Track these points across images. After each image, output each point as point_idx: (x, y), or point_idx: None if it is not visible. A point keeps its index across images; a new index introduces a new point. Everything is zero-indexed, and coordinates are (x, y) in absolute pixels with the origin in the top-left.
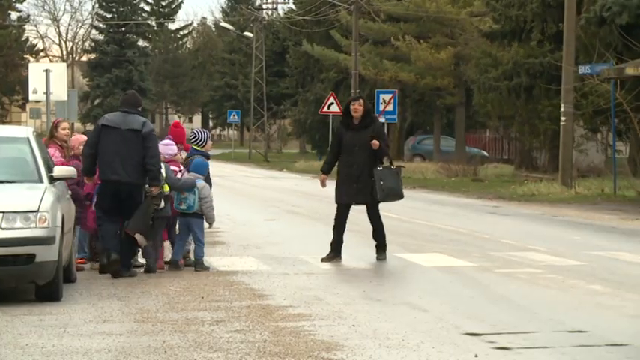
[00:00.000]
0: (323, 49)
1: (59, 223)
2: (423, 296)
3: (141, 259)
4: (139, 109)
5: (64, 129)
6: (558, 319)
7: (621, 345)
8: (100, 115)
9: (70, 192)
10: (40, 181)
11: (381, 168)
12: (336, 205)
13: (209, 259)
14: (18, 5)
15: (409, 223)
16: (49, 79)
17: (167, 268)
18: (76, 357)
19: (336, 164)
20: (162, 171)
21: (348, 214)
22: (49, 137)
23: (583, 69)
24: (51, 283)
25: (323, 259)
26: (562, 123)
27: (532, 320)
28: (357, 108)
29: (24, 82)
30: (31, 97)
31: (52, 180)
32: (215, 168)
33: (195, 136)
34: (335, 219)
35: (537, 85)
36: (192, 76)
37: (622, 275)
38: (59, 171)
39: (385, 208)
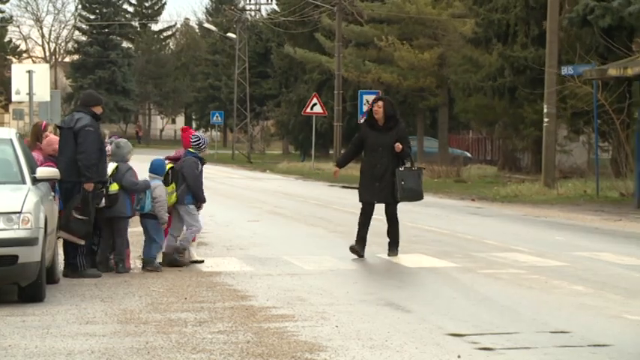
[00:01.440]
0: (306, 52)
1: (42, 224)
2: (406, 297)
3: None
4: (92, 108)
5: (51, 131)
6: (541, 319)
7: (604, 345)
8: None
9: (52, 193)
10: (23, 182)
11: (402, 169)
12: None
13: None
14: (1, 6)
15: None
16: (32, 80)
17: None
18: (58, 358)
19: (350, 162)
20: (109, 169)
21: (372, 211)
22: (32, 140)
23: (566, 70)
24: (34, 284)
25: (351, 249)
26: (545, 124)
27: (515, 321)
28: (377, 110)
29: (7, 83)
30: (14, 98)
31: (35, 181)
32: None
33: (199, 140)
34: (360, 216)
35: (521, 87)
36: (175, 77)
37: (605, 276)
38: (42, 172)
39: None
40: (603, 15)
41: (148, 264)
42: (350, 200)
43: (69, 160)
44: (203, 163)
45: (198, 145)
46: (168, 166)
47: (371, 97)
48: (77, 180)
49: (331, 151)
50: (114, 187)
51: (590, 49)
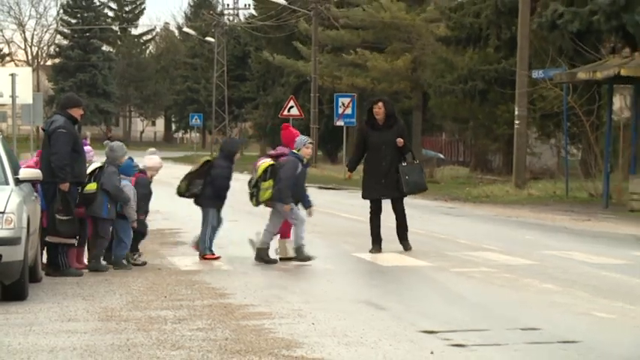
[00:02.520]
0: (283, 58)
1: (25, 224)
2: (381, 295)
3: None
4: (70, 110)
5: (85, 135)
6: (512, 317)
7: (573, 342)
8: None
9: (35, 194)
10: (6, 183)
11: (405, 164)
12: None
13: (171, 259)
14: None
15: (365, 222)
16: (15, 83)
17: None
18: (41, 355)
19: (360, 163)
20: (88, 170)
21: (381, 208)
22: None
23: (536, 74)
24: (17, 282)
25: (371, 251)
26: (516, 126)
27: (486, 318)
28: (378, 111)
29: None
30: None
31: (18, 182)
32: (178, 170)
33: (296, 141)
34: (370, 215)
35: (492, 90)
36: (155, 80)
37: (574, 274)
38: (25, 173)
39: (347, 210)
40: (572, 20)
41: (115, 264)
42: (325, 200)
43: (47, 162)
44: (304, 164)
45: (296, 145)
46: (268, 162)
47: (346, 100)
48: (52, 180)
49: None
50: (91, 187)
51: (560, 52)
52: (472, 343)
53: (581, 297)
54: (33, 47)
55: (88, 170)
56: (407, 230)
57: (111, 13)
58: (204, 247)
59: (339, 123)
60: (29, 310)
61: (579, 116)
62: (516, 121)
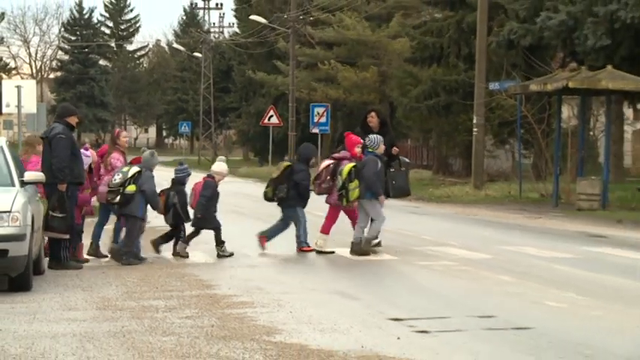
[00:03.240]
0: (264, 75)
1: (29, 222)
2: (353, 286)
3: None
4: (67, 118)
5: (124, 137)
6: (470, 305)
7: (526, 328)
8: None
9: (38, 194)
10: (13, 184)
11: (392, 170)
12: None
13: (163, 254)
14: None
15: (341, 222)
16: (21, 95)
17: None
18: (44, 341)
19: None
20: (130, 172)
21: None
22: (111, 144)
23: (493, 86)
24: (22, 275)
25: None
26: (474, 133)
27: (448, 307)
28: (372, 119)
29: None
30: (4, 110)
31: (23, 184)
32: (165, 173)
33: (371, 141)
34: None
35: (454, 101)
36: (148, 92)
37: (526, 267)
38: (29, 176)
39: (320, 208)
40: (525, 35)
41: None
42: None
43: (49, 165)
44: (382, 160)
45: (371, 145)
46: (351, 165)
47: (321, 110)
48: (53, 182)
49: (286, 157)
50: (131, 188)
51: (514, 66)
52: (435, 329)
53: (534, 288)
54: (37, 62)
55: (129, 174)
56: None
57: (108, 31)
58: (300, 242)
59: (315, 130)
60: (33, 300)
61: (531, 124)
62: (475, 129)
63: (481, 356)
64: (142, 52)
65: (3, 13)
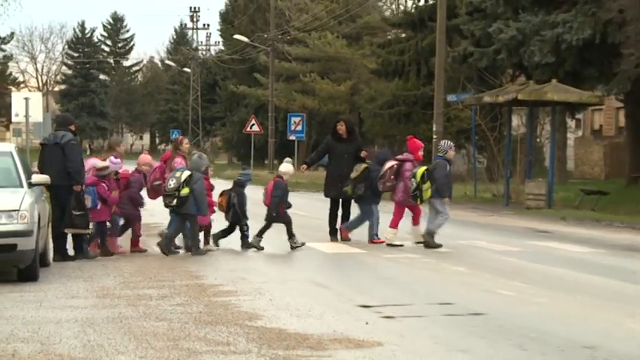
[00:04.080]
0: (246, 88)
1: (36, 220)
2: (326, 276)
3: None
4: (69, 126)
5: (186, 144)
6: (431, 294)
7: (480, 314)
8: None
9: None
10: (21, 186)
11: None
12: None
13: (156, 248)
14: (3, 46)
15: (316, 219)
16: (28, 105)
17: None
18: (49, 326)
19: (316, 166)
20: (183, 176)
21: (338, 205)
22: (174, 150)
23: (451, 98)
24: (29, 267)
25: (332, 240)
26: (434, 140)
27: (411, 295)
28: (341, 128)
29: (8, 108)
30: (14, 119)
31: (31, 185)
32: None
33: (441, 146)
34: (330, 211)
35: (415, 111)
36: (142, 103)
37: (480, 259)
38: (36, 178)
39: (299, 208)
40: (480, 58)
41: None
42: None
43: (60, 169)
44: (451, 164)
45: (440, 149)
46: (424, 169)
47: (297, 119)
48: (68, 184)
49: (266, 162)
50: (185, 191)
51: (469, 80)
52: (399, 315)
53: (487, 278)
54: (43, 76)
55: (182, 178)
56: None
57: (107, 49)
58: (372, 234)
59: (292, 137)
60: (39, 289)
61: (485, 132)
62: (434, 136)
63: (440, 339)
64: (137, 68)
65: (13, 33)
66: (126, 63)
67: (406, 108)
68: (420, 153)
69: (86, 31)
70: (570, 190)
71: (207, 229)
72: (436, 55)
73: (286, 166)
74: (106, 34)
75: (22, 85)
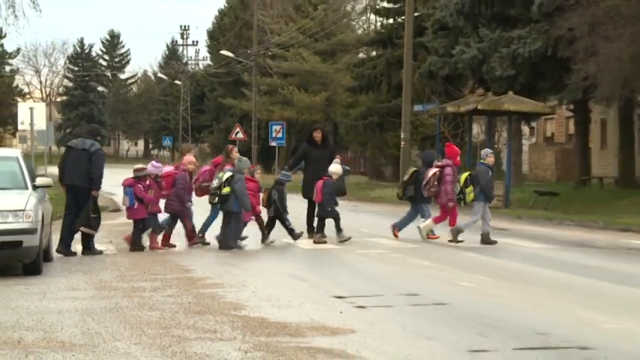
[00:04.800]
0: (231, 100)
1: (40, 219)
2: (304, 270)
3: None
4: (97, 137)
5: (236, 152)
6: (399, 285)
7: (444, 304)
8: (69, 141)
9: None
10: (26, 188)
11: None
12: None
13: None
14: (10, 61)
15: (295, 218)
16: (33, 115)
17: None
18: (52, 315)
19: (297, 170)
20: (224, 176)
21: (315, 205)
22: (225, 157)
23: (417, 108)
24: (34, 262)
25: (309, 236)
26: (402, 146)
27: (381, 287)
28: (317, 135)
29: (14, 116)
30: (20, 127)
31: (35, 187)
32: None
33: (483, 153)
34: (307, 211)
35: (385, 121)
36: (137, 112)
37: (443, 254)
38: (40, 181)
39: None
40: (443, 67)
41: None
42: None
43: (82, 172)
44: (492, 170)
45: (483, 156)
46: (467, 173)
47: (278, 127)
48: (87, 186)
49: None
50: (226, 190)
51: (434, 92)
52: (370, 305)
53: (449, 271)
54: (46, 88)
55: (224, 178)
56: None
57: (104, 63)
58: (427, 231)
59: (273, 144)
60: (43, 282)
61: (448, 138)
62: (402, 142)
63: (408, 327)
64: (132, 80)
65: (19, 49)
66: (122, 76)
67: (379, 118)
68: (458, 158)
69: (85, 47)
70: (525, 191)
71: (269, 226)
72: (404, 70)
73: (335, 167)
74: (103, 49)
75: (27, 96)
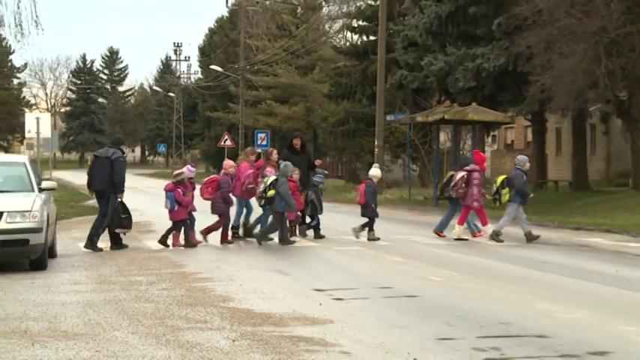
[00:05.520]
0: (220, 113)
1: (45, 219)
2: (286, 265)
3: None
4: (120, 146)
5: (275, 154)
6: (373, 280)
7: (415, 296)
8: (73, 148)
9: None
10: (33, 190)
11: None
12: None
13: (146, 242)
14: (18, 75)
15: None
16: (39, 124)
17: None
18: (56, 307)
19: None
20: (269, 180)
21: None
22: (266, 160)
23: (389, 117)
24: (40, 258)
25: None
26: (376, 152)
27: (357, 281)
28: (297, 142)
29: (22, 125)
30: (27, 135)
31: (41, 190)
32: (148, 182)
33: (519, 160)
34: None
35: (360, 128)
36: (134, 122)
37: (414, 250)
38: (45, 184)
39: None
40: (413, 80)
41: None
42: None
43: (106, 178)
44: (527, 175)
45: (519, 163)
46: (504, 176)
47: (263, 135)
48: (111, 190)
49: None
50: (271, 192)
51: (404, 102)
52: (347, 297)
53: (420, 266)
54: (51, 99)
55: (268, 182)
56: (306, 222)
57: (104, 77)
58: (471, 230)
59: (258, 150)
60: (48, 277)
61: (417, 145)
62: (376, 149)
63: (382, 317)
64: (130, 92)
65: (26, 64)
66: (120, 88)
67: (354, 125)
68: (485, 164)
69: (87, 62)
70: (487, 194)
71: (294, 222)
72: (377, 82)
73: (375, 171)
74: (103, 64)
75: (33, 107)
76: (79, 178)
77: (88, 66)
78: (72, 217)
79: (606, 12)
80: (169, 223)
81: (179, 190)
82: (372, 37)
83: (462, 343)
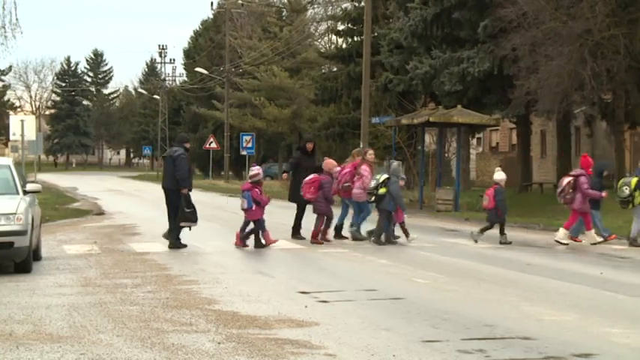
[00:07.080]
0: (205, 110)
1: (30, 221)
2: (271, 267)
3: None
4: (184, 143)
5: (371, 154)
6: (359, 282)
7: (400, 299)
8: (58, 150)
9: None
10: (17, 193)
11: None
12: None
13: (131, 245)
14: (3, 77)
15: (282, 224)
16: (24, 126)
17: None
18: (41, 310)
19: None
20: (381, 179)
21: (303, 209)
22: (362, 159)
23: (375, 120)
24: (24, 261)
25: (293, 237)
26: None
27: (342, 283)
28: (310, 146)
29: (6, 128)
30: (12, 137)
31: (25, 193)
32: (132, 185)
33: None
34: (297, 213)
35: (346, 131)
36: (119, 124)
37: (400, 253)
38: (30, 187)
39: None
40: (399, 84)
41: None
42: (234, 204)
43: (171, 176)
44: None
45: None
46: (637, 179)
47: (248, 137)
48: (176, 188)
49: (222, 173)
50: (382, 191)
51: (390, 105)
52: (333, 299)
53: (405, 269)
54: (36, 102)
55: (380, 180)
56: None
57: (89, 79)
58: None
59: (244, 153)
60: (33, 280)
61: (403, 148)
62: None
63: (367, 319)
64: (115, 95)
65: (10, 66)
66: (105, 91)
67: (340, 129)
68: (591, 169)
69: (72, 65)
70: (473, 196)
71: (401, 225)
72: (362, 85)
73: (500, 174)
74: (88, 67)
75: (18, 110)
76: (63, 180)
77: (73, 68)
78: (57, 220)
79: (591, 15)
80: (155, 227)
81: (257, 189)
82: (357, 39)
83: (448, 345)
